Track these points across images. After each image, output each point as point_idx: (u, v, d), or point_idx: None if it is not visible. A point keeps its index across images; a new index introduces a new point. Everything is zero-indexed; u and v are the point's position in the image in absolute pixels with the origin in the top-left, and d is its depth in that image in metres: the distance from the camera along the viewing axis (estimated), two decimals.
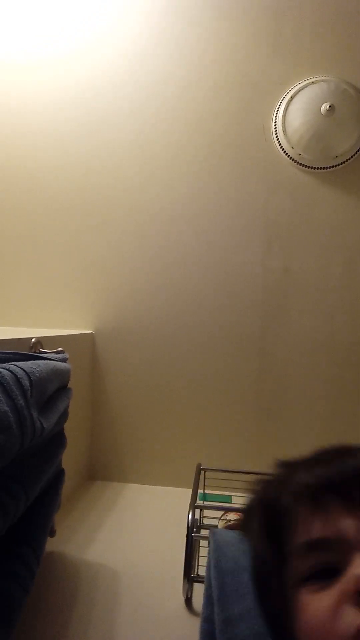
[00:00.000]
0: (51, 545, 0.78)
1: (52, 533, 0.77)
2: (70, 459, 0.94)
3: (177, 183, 1.07)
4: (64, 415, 0.66)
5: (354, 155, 1.00)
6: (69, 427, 0.71)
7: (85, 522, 0.88)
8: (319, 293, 1.03)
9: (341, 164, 1.01)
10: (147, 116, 1.08)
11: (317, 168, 1.01)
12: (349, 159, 1.00)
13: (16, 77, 1.11)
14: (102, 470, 1.11)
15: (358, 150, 1.00)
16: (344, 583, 0.31)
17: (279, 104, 1.03)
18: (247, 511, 0.43)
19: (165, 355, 1.08)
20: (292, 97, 1.00)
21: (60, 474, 0.70)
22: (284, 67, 1.03)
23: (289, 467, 0.43)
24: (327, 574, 0.33)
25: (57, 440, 0.65)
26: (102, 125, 1.09)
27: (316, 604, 0.32)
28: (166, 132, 1.07)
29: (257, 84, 1.04)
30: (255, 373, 1.06)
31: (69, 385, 0.69)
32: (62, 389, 0.66)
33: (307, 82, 1.00)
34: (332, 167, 1.01)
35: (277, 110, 1.03)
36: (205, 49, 1.05)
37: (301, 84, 1.00)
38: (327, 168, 1.01)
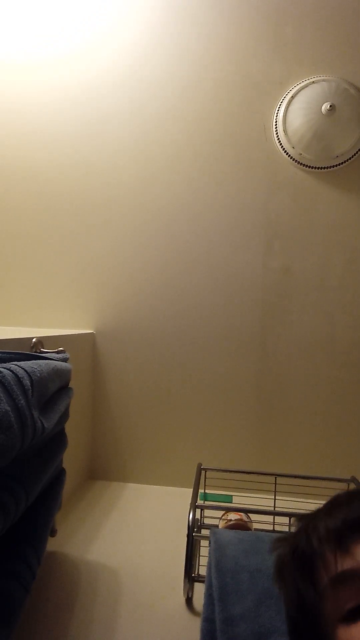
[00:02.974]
0: (52, 544, 0.78)
1: (53, 533, 0.77)
2: (71, 459, 0.94)
3: (177, 183, 1.07)
4: (65, 415, 0.66)
5: (355, 154, 1.00)
6: (69, 427, 0.71)
7: (86, 521, 0.88)
8: (319, 293, 1.03)
9: (342, 163, 1.01)
10: (148, 116, 1.08)
11: (318, 168, 1.01)
12: (350, 158, 1.00)
13: (17, 77, 1.11)
14: (103, 470, 1.11)
15: (359, 150, 0.99)
16: None
17: (279, 103, 1.03)
18: (278, 563, 0.45)
19: (165, 355, 1.08)
20: (292, 97, 1.00)
21: (61, 473, 0.70)
22: (284, 66, 1.03)
23: (310, 518, 0.46)
24: None
25: (57, 440, 0.65)
26: (102, 125, 1.09)
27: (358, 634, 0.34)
28: (167, 132, 1.07)
29: (258, 84, 1.04)
30: (256, 372, 1.06)
31: (70, 385, 0.70)
32: (63, 389, 0.66)
33: (307, 81, 1.00)
34: (333, 166, 1.01)
35: (278, 110, 1.03)
36: (205, 49, 1.05)
37: (302, 84, 1.00)
38: (327, 168, 1.01)
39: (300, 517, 0.47)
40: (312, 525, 0.43)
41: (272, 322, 1.05)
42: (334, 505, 0.45)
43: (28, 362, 0.53)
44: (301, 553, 0.42)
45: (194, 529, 0.65)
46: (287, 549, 0.44)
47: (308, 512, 0.47)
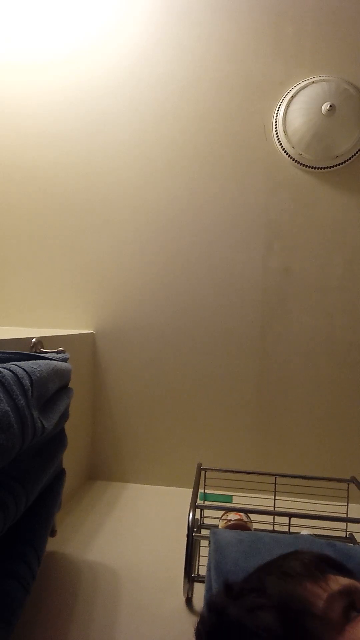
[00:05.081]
0: (52, 545, 0.78)
1: (53, 533, 0.77)
2: (71, 459, 0.94)
3: (177, 183, 1.07)
4: (65, 415, 0.66)
5: (355, 155, 1.00)
6: (69, 427, 0.71)
7: (86, 522, 0.88)
8: (319, 293, 1.03)
9: (342, 163, 1.01)
10: (148, 116, 1.08)
11: (318, 168, 1.01)
12: (350, 158, 1.00)
13: (17, 77, 1.11)
14: (103, 470, 1.11)
15: (358, 150, 0.99)
16: None
17: (279, 103, 1.03)
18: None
19: (165, 355, 1.08)
20: (292, 97, 1.00)
21: (61, 473, 0.70)
22: (284, 66, 1.03)
23: (261, 573, 0.49)
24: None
25: (57, 440, 0.65)
26: (102, 126, 1.09)
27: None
28: (167, 132, 1.07)
29: (258, 84, 1.04)
30: (256, 373, 1.06)
31: (70, 385, 0.70)
32: (63, 389, 0.66)
33: (307, 81, 1.00)
34: (333, 166, 1.01)
35: (278, 110, 1.03)
36: (206, 49, 1.05)
37: (302, 84, 1.00)
38: (327, 168, 1.01)
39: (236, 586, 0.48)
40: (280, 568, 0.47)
41: (272, 322, 1.05)
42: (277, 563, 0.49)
43: (28, 362, 0.53)
44: (282, 606, 0.42)
45: (194, 529, 0.65)
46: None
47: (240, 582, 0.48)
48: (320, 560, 0.48)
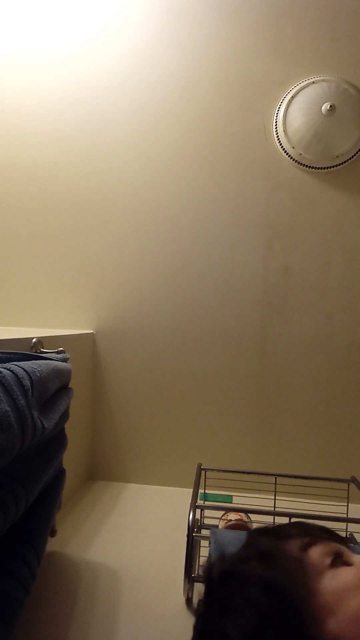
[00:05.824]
0: (52, 545, 0.78)
1: (53, 533, 0.77)
2: (71, 459, 0.94)
3: (177, 183, 1.07)
4: (65, 415, 0.66)
5: (355, 155, 1.00)
6: (69, 427, 0.71)
7: (86, 522, 0.88)
8: (319, 293, 1.03)
9: (342, 163, 1.01)
10: (148, 116, 1.08)
11: (318, 168, 1.01)
12: (350, 158, 1.00)
13: (17, 77, 1.11)
14: (103, 470, 1.11)
15: (358, 150, 0.99)
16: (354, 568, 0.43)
17: (279, 103, 1.03)
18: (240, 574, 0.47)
19: (165, 355, 1.08)
20: (292, 97, 1.00)
21: (61, 473, 0.70)
22: (284, 67, 1.03)
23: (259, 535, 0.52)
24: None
25: (58, 440, 0.65)
26: (102, 126, 1.09)
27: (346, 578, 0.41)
28: (167, 132, 1.07)
29: (258, 84, 1.04)
30: (256, 372, 1.06)
31: (70, 385, 0.69)
32: (63, 389, 0.66)
33: (307, 81, 1.00)
34: (333, 167, 1.01)
35: (278, 110, 1.03)
36: (206, 49, 1.05)
37: (302, 84, 1.00)
38: (327, 168, 1.01)
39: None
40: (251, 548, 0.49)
41: (272, 322, 1.05)
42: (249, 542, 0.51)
43: (28, 362, 0.53)
44: (265, 554, 0.46)
45: (194, 529, 0.65)
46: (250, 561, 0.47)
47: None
48: (319, 529, 0.51)
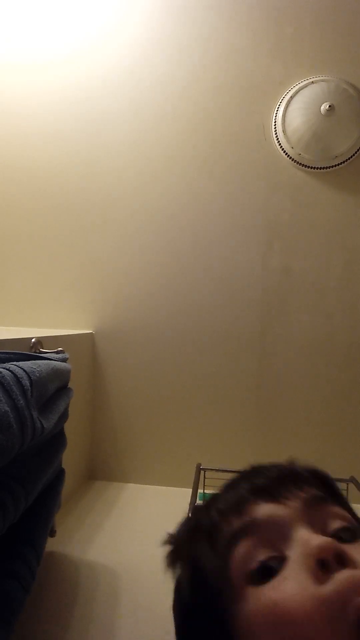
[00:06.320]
0: (51, 545, 0.78)
1: (53, 533, 0.77)
2: (71, 459, 0.94)
3: (177, 183, 1.07)
4: (64, 415, 0.66)
5: (354, 155, 1.00)
6: (69, 427, 0.71)
7: (86, 522, 0.88)
8: (319, 293, 1.03)
9: (341, 163, 1.01)
10: (148, 116, 1.08)
11: (317, 168, 1.01)
12: (349, 158, 1.00)
13: (17, 77, 1.11)
14: (102, 470, 1.11)
15: (358, 150, 0.99)
16: (300, 565, 0.31)
17: (278, 103, 1.03)
18: (173, 543, 0.42)
19: (165, 355, 1.08)
20: (291, 97, 1.00)
21: (60, 473, 0.70)
22: (283, 66, 1.03)
23: (208, 501, 0.44)
24: (273, 562, 0.32)
25: (57, 440, 0.65)
26: (102, 126, 1.09)
27: (280, 593, 0.30)
28: (166, 132, 1.07)
29: (257, 84, 1.04)
30: (255, 373, 1.06)
31: (70, 385, 0.70)
32: (63, 389, 0.66)
33: (307, 81, 1.00)
34: (332, 167, 1.01)
35: (277, 110, 1.03)
36: (205, 49, 1.05)
37: (301, 84, 1.00)
38: (327, 168, 1.01)
39: (197, 507, 0.45)
40: (211, 502, 0.42)
41: (272, 322, 1.05)
42: (231, 482, 0.43)
43: (27, 362, 0.53)
44: (200, 527, 0.39)
45: None
46: (183, 529, 0.42)
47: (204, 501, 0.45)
48: (306, 479, 0.41)
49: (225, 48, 1.05)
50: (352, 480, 0.82)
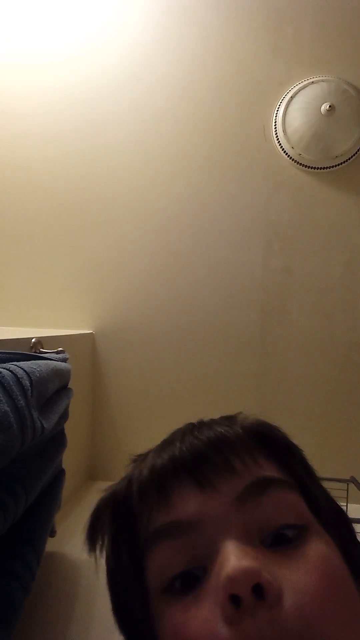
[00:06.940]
0: (51, 545, 0.78)
1: (53, 533, 0.77)
2: (71, 459, 0.94)
3: (177, 183, 1.07)
4: (65, 415, 0.66)
5: (355, 155, 1.00)
6: (69, 427, 0.71)
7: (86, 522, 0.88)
8: (319, 293, 1.03)
9: (341, 163, 1.01)
10: (148, 116, 1.08)
11: (318, 168, 1.01)
12: (350, 158, 1.00)
13: (17, 77, 1.11)
14: (103, 471, 1.11)
15: (358, 150, 0.99)
16: (215, 589, 0.25)
17: (279, 103, 1.03)
18: (93, 516, 0.36)
19: (165, 355, 1.08)
20: (292, 97, 1.00)
21: (60, 474, 0.70)
22: (284, 66, 1.03)
23: (139, 458, 0.38)
24: (193, 574, 0.28)
25: (57, 440, 0.65)
26: (102, 126, 1.09)
27: (185, 618, 0.26)
28: (166, 132, 1.07)
29: (258, 84, 1.04)
30: (255, 373, 1.06)
31: (70, 385, 0.70)
32: (63, 389, 0.66)
33: (307, 82, 1.00)
34: (333, 167, 1.01)
35: (277, 110, 1.03)
36: (205, 49, 1.05)
37: (301, 84, 1.00)
38: (327, 168, 1.01)
39: (134, 459, 0.39)
40: (139, 464, 0.36)
41: (272, 322, 1.05)
42: (167, 440, 0.38)
43: (27, 362, 0.53)
44: (118, 501, 0.34)
45: None
46: (107, 494, 0.36)
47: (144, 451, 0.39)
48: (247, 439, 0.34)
49: (225, 48, 1.05)
50: (352, 480, 0.82)
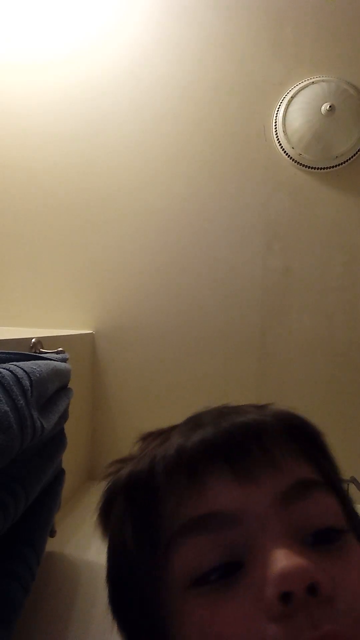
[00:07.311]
0: (51, 545, 0.78)
1: (53, 533, 0.76)
2: (71, 459, 0.94)
3: (177, 183, 1.07)
4: (64, 416, 0.66)
5: (355, 155, 1.00)
6: (69, 427, 0.71)
7: (86, 522, 0.88)
8: (319, 293, 1.03)
9: (342, 164, 1.01)
10: (148, 116, 1.08)
11: (318, 168, 1.01)
12: (350, 159, 1.00)
13: (17, 77, 1.11)
14: (103, 471, 1.11)
15: (358, 150, 0.99)
16: (257, 585, 0.24)
17: (279, 104, 1.03)
18: (105, 498, 0.34)
19: (165, 355, 1.08)
20: (292, 97, 1.00)
21: (60, 474, 0.70)
22: (284, 67, 1.03)
23: (157, 437, 0.35)
24: (227, 569, 0.26)
25: (57, 440, 0.65)
26: (102, 126, 1.09)
27: (218, 614, 0.24)
28: (166, 132, 1.07)
29: (258, 84, 1.04)
30: (255, 373, 1.06)
31: (70, 385, 0.70)
32: (63, 389, 0.66)
33: (307, 82, 1.00)
34: (333, 167, 1.01)
35: (278, 111, 1.03)
36: (205, 50, 1.05)
37: (301, 84, 1.00)
38: (327, 168, 1.01)
39: (146, 435, 0.35)
40: (162, 444, 0.33)
41: (272, 322, 1.05)
42: (192, 421, 0.35)
43: (27, 362, 0.53)
44: (140, 482, 0.31)
45: None
46: (123, 474, 0.34)
47: (159, 429, 0.34)
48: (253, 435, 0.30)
49: (225, 48, 1.05)
50: (353, 480, 0.81)
